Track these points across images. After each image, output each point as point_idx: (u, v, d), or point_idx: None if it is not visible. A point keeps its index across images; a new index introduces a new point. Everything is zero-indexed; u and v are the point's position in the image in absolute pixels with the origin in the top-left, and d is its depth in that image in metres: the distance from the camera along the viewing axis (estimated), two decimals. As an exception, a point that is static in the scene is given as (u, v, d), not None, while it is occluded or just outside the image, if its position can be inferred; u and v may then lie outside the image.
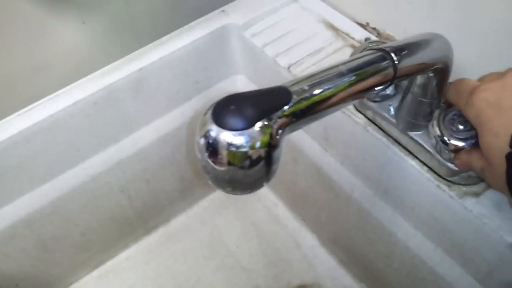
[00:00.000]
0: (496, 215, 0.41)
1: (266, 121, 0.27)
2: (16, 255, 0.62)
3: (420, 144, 0.44)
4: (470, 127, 0.39)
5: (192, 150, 0.70)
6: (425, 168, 0.45)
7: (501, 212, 0.41)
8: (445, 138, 0.40)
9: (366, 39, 0.57)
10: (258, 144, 0.27)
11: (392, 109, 0.46)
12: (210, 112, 0.27)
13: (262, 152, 0.27)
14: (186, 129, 0.66)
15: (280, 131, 0.28)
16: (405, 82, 0.42)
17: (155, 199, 0.72)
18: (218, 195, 0.80)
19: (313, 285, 0.70)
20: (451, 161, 0.42)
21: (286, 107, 0.28)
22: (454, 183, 0.43)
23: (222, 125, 0.26)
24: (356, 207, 0.57)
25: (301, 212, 0.74)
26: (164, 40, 0.60)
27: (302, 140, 0.61)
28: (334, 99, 0.31)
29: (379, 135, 0.48)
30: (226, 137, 0.26)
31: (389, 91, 0.47)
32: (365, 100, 0.48)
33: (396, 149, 0.47)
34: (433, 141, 0.42)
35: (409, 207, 0.49)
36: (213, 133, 0.27)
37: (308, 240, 0.74)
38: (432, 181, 0.44)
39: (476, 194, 0.43)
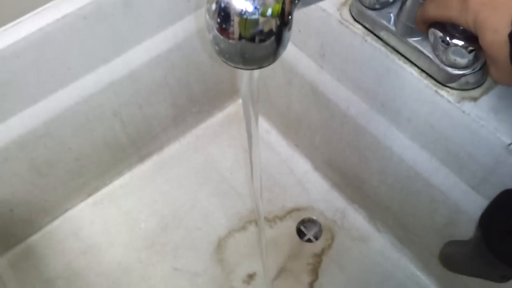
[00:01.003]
0: (493, 117, 0.42)
1: None
2: (10, 179, 0.61)
3: (419, 50, 0.44)
4: None
5: (185, 75, 0.69)
6: (424, 74, 0.45)
7: (498, 115, 0.42)
8: (447, 38, 0.40)
9: None
10: (269, 11, 0.26)
11: (392, 17, 0.46)
12: None
13: (273, 20, 0.26)
14: (177, 51, 0.65)
15: (293, 2, 0.27)
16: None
17: (148, 126, 0.71)
18: (211, 123, 0.80)
19: (307, 207, 0.72)
20: (450, 65, 0.42)
21: None
22: (452, 88, 0.43)
23: None
24: (351, 124, 0.57)
25: (295, 137, 0.74)
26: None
27: (297, 60, 0.60)
28: None
29: (378, 45, 0.47)
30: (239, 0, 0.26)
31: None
32: (364, 8, 0.47)
33: (395, 57, 0.46)
34: (433, 43, 0.42)
35: (406, 117, 0.49)
36: None
37: (302, 165, 0.75)
38: (430, 87, 0.44)
39: (474, 98, 0.43)
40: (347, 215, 0.70)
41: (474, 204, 0.48)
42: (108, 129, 0.66)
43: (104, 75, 0.60)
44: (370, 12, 0.47)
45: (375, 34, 0.48)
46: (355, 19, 0.49)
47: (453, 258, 0.42)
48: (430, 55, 0.43)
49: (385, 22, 0.46)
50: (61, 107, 0.59)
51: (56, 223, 0.72)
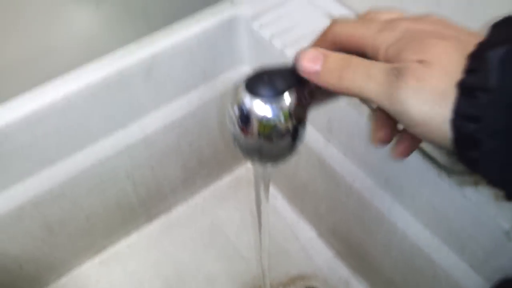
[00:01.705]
0: (494, 203, 0.43)
1: (295, 93, 0.29)
2: (22, 236, 0.63)
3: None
4: None
5: (196, 139, 0.72)
6: (426, 157, 0.47)
7: (499, 201, 0.43)
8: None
9: None
10: (286, 115, 0.28)
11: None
12: (243, 83, 0.29)
13: (290, 124, 0.29)
14: (191, 118, 0.68)
15: (307, 104, 0.30)
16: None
17: (158, 187, 0.73)
18: (219, 186, 0.82)
19: (311, 275, 0.72)
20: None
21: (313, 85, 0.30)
22: (454, 172, 0.45)
23: (255, 93, 0.28)
24: (356, 197, 0.59)
25: (300, 204, 0.76)
26: (174, 27, 0.61)
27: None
28: None
29: (383, 126, 0.50)
30: (259, 104, 0.28)
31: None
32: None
33: (399, 139, 0.48)
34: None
35: (409, 195, 0.51)
36: (246, 101, 0.28)
37: (306, 231, 0.76)
38: (432, 170, 0.46)
39: (475, 183, 0.45)
40: (350, 285, 0.70)
41: (475, 284, 0.48)
42: (120, 190, 0.68)
43: (120, 139, 0.62)
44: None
45: (380, 116, 0.50)
46: (361, 100, 0.52)
47: None
48: (433, 140, 0.45)
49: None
50: (77, 169, 0.61)
51: (62, 280, 0.72)
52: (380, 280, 0.65)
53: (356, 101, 0.52)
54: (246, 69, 0.69)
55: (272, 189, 0.80)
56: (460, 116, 0.23)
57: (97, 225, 0.70)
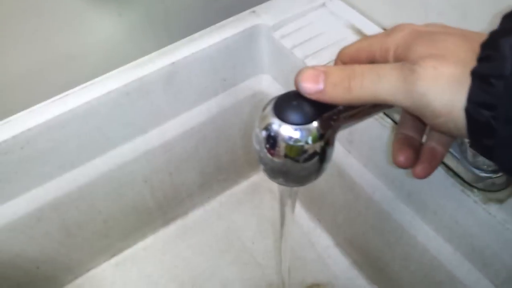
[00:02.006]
0: (519, 221, 0.42)
1: (323, 118, 0.28)
2: (40, 238, 0.63)
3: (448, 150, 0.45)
4: None
5: (215, 146, 0.71)
6: (451, 173, 0.46)
7: (524, 219, 0.43)
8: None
9: None
10: (314, 139, 0.28)
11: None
12: (271, 106, 0.29)
13: (318, 147, 0.28)
14: (210, 124, 0.68)
15: (335, 129, 0.29)
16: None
17: (176, 192, 0.73)
18: (235, 191, 0.81)
19: (327, 284, 0.72)
20: (477, 167, 0.43)
21: (341, 107, 0.29)
22: (478, 189, 0.45)
23: (283, 119, 0.28)
24: (376, 209, 0.58)
25: (318, 212, 0.75)
26: (195, 36, 0.61)
27: (325, 141, 0.62)
28: None
29: (406, 139, 0.49)
30: (286, 130, 0.28)
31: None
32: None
33: (422, 153, 0.48)
34: (461, 144, 0.43)
35: (432, 210, 0.50)
36: (274, 126, 0.28)
37: (323, 240, 0.75)
38: (457, 186, 0.45)
39: (500, 201, 0.44)
40: (367, 295, 0.69)
41: (498, 302, 0.48)
42: (137, 194, 0.68)
43: (139, 145, 0.63)
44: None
45: (403, 129, 0.50)
46: (385, 113, 0.51)
47: None
48: (458, 156, 0.45)
49: (414, 119, 0.48)
50: (96, 173, 0.61)
51: (78, 281, 0.73)
52: (397, 292, 0.64)
53: (380, 114, 0.52)
54: (266, 78, 0.68)
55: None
56: (475, 104, 0.23)
57: (114, 228, 0.70)
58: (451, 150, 0.45)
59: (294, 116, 0.28)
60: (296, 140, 0.28)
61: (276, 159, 0.29)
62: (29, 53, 0.55)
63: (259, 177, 0.83)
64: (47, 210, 0.60)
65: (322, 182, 0.67)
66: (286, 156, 0.28)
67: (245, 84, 0.68)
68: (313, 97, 0.28)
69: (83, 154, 0.59)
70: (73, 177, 0.60)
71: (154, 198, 0.71)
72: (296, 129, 0.28)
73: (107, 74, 0.57)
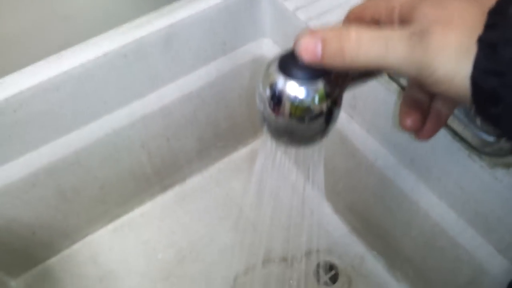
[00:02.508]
0: (526, 187, 0.42)
1: (330, 77, 0.27)
2: (36, 203, 0.62)
3: (454, 114, 0.44)
4: None
5: (214, 111, 0.70)
6: (457, 137, 0.45)
7: (531, 184, 0.42)
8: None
9: None
10: (321, 98, 0.27)
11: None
12: (276, 63, 0.27)
13: (324, 106, 0.27)
14: (209, 89, 0.66)
15: (342, 88, 0.28)
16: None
17: (174, 158, 0.72)
18: (234, 158, 0.80)
19: (325, 250, 0.72)
20: (484, 131, 0.42)
21: None
22: (485, 153, 0.44)
23: (289, 75, 0.27)
24: (378, 175, 0.57)
25: (317, 179, 0.75)
26: (195, -4, 0.59)
27: (326, 106, 0.61)
28: None
29: (412, 103, 0.48)
30: (292, 87, 0.26)
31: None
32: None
33: (428, 117, 0.47)
34: (469, 111, 0.42)
35: (436, 176, 0.49)
36: (280, 83, 0.27)
37: (322, 207, 0.75)
38: (463, 151, 0.44)
39: (507, 165, 0.43)
40: (366, 261, 0.69)
41: (500, 267, 0.47)
42: (134, 160, 0.67)
43: (136, 109, 0.61)
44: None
45: (409, 93, 0.48)
46: (390, 77, 0.50)
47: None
48: (465, 119, 0.44)
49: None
50: (92, 138, 0.60)
51: (75, 247, 0.72)
52: (397, 258, 0.64)
53: (385, 78, 0.50)
54: (266, 42, 0.66)
55: (289, 163, 0.79)
56: (481, 71, 0.23)
57: (111, 193, 0.69)
58: (458, 113, 0.44)
59: (300, 72, 0.26)
60: (302, 99, 0.26)
61: (280, 119, 0.27)
62: (22, 13, 0.53)
63: (258, 144, 0.82)
64: (42, 175, 0.59)
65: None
66: (291, 115, 0.27)
67: (246, 48, 0.66)
68: (314, 65, 0.26)
69: (78, 118, 0.58)
70: (68, 141, 0.59)
71: (152, 164, 0.70)
72: (302, 85, 0.26)
73: (103, 35, 0.55)
